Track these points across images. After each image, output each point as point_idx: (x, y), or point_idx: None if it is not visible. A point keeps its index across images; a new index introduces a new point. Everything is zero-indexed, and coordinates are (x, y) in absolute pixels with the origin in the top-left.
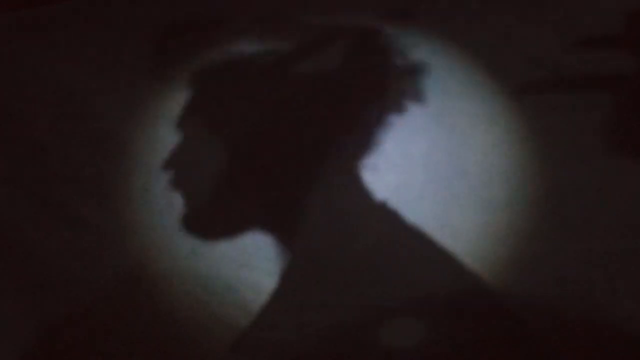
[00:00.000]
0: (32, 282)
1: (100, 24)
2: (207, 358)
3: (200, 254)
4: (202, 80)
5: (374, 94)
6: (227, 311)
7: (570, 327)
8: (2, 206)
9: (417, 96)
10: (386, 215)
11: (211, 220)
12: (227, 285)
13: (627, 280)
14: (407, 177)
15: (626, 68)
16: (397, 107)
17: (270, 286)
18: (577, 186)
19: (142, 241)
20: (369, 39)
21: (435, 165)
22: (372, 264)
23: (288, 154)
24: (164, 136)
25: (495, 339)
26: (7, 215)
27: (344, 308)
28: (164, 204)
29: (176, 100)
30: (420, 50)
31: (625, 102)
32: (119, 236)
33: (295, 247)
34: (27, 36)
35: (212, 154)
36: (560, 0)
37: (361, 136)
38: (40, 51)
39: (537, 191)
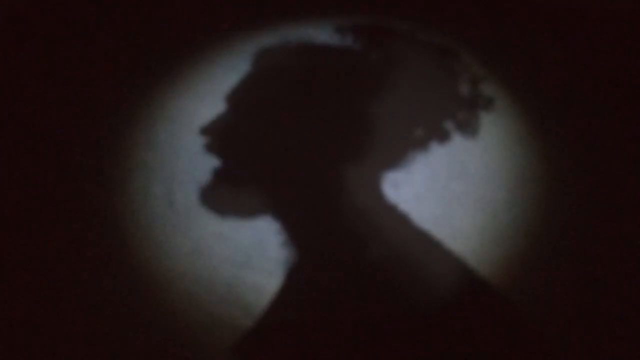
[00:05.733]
0: (32, 282)
1: (100, 24)
2: (207, 358)
3: (200, 253)
4: (258, 61)
5: (426, 116)
6: (227, 311)
7: (570, 326)
8: (2, 207)
9: (470, 130)
10: (396, 221)
11: (222, 195)
12: (227, 285)
13: (628, 279)
14: (407, 177)
15: (626, 71)
16: (442, 135)
17: (271, 286)
18: (577, 186)
19: (142, 241)
20: (446, 59)
21: (435, 165)
22: (380, 270)
23: (312, 153)
24: (164, 136)
25: (495, 339)
26: (6, 217)
27: (345, 309)
28: (164, 204)
29: (177, 100)
30: (490, 84)
31: (624, 103)
32: (119, 236)
33: (301, 249)
34: (27, 36)
35: (246, 134)
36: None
37: (392, 152)
38: (40, 51)
39: (537, 191)
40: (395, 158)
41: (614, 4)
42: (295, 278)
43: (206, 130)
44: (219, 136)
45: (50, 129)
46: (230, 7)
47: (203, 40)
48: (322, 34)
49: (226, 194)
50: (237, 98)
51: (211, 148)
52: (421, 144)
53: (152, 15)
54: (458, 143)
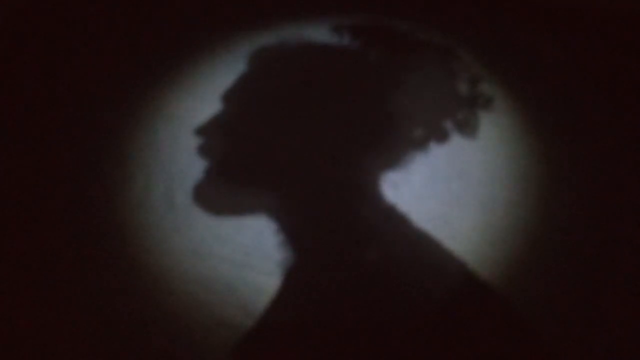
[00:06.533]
0: (32, 282)
1: (100, 24)
2: (207, 358)
3: (200, 253)
4: (254, 60)
5: (425, 116)
6: (227, 311)
7: (571, 326)
8: (2, 207)
9: (470, 130)
10: (396, 221)
11: (219, 196)
12: (227, 285)
13: (627, 280)
14: (407, 177)
15: (626, 71)
16: (441, 134)
17: (270, 286)
18: (577, 186)
19: (142, 241)
20: (446, 59)
21: (435, 165)
22: (380, 270)
23: (313, 154)
24: (164, 136)
25: (495, 339)
26: (6, 217)
27: (345, 309)
28: (164, 204)
29: (177, 100)
30: (488, 83)
31: (624, 103)
32: (119, 236)
33: (300, 249)
34: (27, 36)
35: (243, 134)
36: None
37: (390, 153)
38: (40, 51)
39: (537, 191)
40: (395, 158)
41: (614, 4)
42: (295, 278)
43: (201, 131)
44: (213, 137)
45: (50, 129)
46: (230, 7)
47: (203, 40)
48: (321, 33)
49: (222, 194)
50: (233, 98)
51: (206, 149)
52: (420, 144)
53: (152, 15)
54: (458, 143)
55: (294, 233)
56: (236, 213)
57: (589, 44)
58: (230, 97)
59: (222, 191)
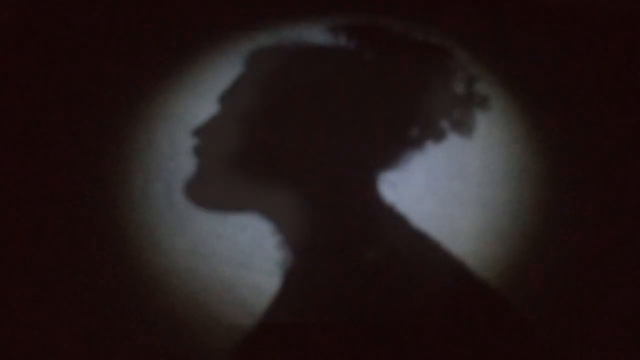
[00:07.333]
0: (32, 281)
1: (100, 24)
2: (207, 358)
3: (200, 253)
4: (252, 60)
5: (422, 115)
6: (227, 311)
7: (571, 326)
8: (2, 207)
9: (466, 129)
10: (395, 221)
11: (215, 195)
12: (227, 285)
13: (627, 279)
14: (407, 177)
15: (625, 71)
16: (438, 134)
17: (270, 286)
18: (577, 186)
19: (142, 241)
20: (443, 58)
21: (435, 165)
22: (379, 270)
23: (311, 153)
24: (163, 136)
25: (495, 339)
26: (6, 217)
27: (345, 309)
28: (164, 204)
29: (177, 100)
30: (487, 83)
31: (624, 103)
32: (119, 236)
33: (300, 249)
34: (27, 36)
35: (241, 135)
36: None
37: (388, 152)
38: (40, 51)
39: (537, 191)
40: (392, 158)
41: (614, 4)
42: (295, 278)
43: (199, 131)
44: (211, 138)
45: (50, 129)
46: (230, 7)
47: (203, 40)
48: (319, 34)
49: (220, 194)
50: (231, 100)
51: (203, 149)
52: (417, 144)
53: (152, 15)
54: (457, 143)
55: (294, 233)
56: (233, 208)
57: (589, 44)
58: (227, 98)
59: (219, 188)
